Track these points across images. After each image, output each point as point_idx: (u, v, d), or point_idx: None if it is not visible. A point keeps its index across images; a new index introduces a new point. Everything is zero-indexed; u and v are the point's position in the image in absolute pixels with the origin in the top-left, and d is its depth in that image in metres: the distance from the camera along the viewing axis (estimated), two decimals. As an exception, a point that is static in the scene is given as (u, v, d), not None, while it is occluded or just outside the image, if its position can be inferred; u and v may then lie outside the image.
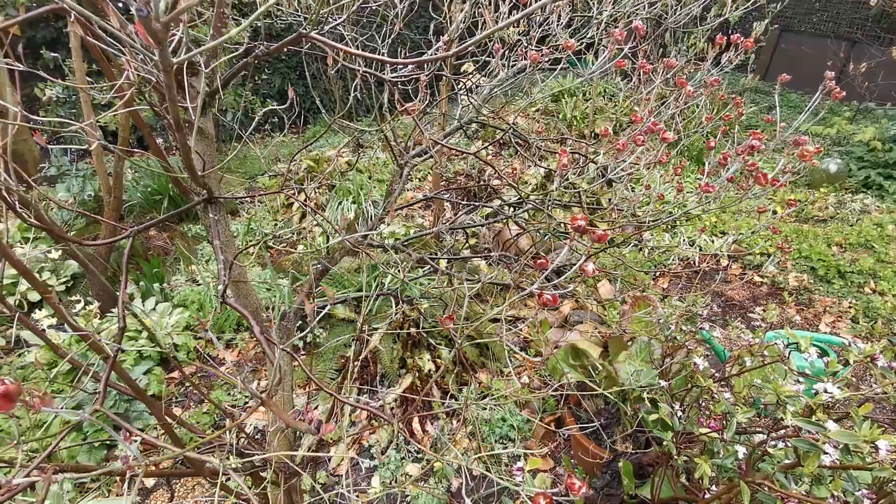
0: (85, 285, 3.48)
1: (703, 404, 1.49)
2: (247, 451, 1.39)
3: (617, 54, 1.12)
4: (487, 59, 1.41)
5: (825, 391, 0.93)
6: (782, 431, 1.11)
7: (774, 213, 4.49)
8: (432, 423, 2.65)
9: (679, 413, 1.48)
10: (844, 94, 1.22)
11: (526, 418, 2.52)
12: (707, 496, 1.20)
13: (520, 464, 1.15)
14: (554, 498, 0.59)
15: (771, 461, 1.07)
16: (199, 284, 3.51)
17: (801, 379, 1.24)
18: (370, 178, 5.02)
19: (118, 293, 3.11)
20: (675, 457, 1.27)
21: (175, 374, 2.99)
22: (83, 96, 3.07)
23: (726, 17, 2.31)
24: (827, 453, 0.84)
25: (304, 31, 0.81)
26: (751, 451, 1.02)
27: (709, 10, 2.76)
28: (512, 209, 3.84)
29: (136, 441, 0.85)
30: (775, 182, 1.29)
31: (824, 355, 1.76)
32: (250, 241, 4.24)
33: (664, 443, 1.34)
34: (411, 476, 2.32)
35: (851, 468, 0.88)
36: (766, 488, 0.97)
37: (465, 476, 2.24)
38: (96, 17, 0.73)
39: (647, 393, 1.73)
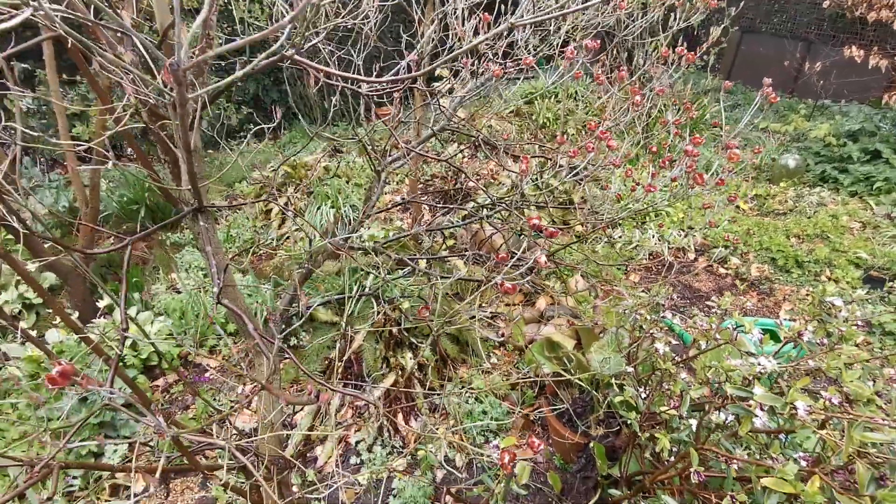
0: (62, 297, 3.47)
1: (665, 386, 1.61)
2: (240, 447, 1.46)
3: (573, 67, 1.23)
4: (459, 67, 1.51)
5: (759, 364, 1.05)
6: (732, 406, 1.24)
7: (738, 207, 4.71)
8: (416, 419, 2.74)
9: (643, 395, 1.60)
10: (777, 99, 1.36)
11: (506, 410, 2.63)
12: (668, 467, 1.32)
13: (495, 441, 1.25)
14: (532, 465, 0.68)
15: (720, 432, 1.20)
16: (179, 293, 3.53)
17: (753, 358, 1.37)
18: (348, 182, 5.08)
19: (98, 303, 3.13)
20: (640, 434, 1.39)
21: (159, 382, 3.02)
22: (57, 108, 3.08)
23: (689, 23, 2.46)
24: (757, 416, 0.97)
25: (286, 51, 0.90)
26: (699, 420, 1.14)
27: (671, 12, 2.91)
28: (485, 210, 3.95)
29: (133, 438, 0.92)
30: (721, 182, 1.42)
31: (774, 338, 1.90)
32: (230, 247, 4.27)
33: (630, 422, 1.46)
34: (397, 469, 2.41)
35: (777, 432, 1.01)
36: (715, 454, 1.09)
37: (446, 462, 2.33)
38: (97, 47, 0.81)
39: (616, 379, 1.86)
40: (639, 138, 1.81)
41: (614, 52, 3.55)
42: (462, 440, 2.50)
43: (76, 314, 3.07)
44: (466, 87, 1.47)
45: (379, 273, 2.74)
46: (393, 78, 0.85)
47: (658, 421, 1.60)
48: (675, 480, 1.26)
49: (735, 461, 1.01)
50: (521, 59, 1.23)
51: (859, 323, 1.23)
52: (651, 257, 4.03)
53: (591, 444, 1.98)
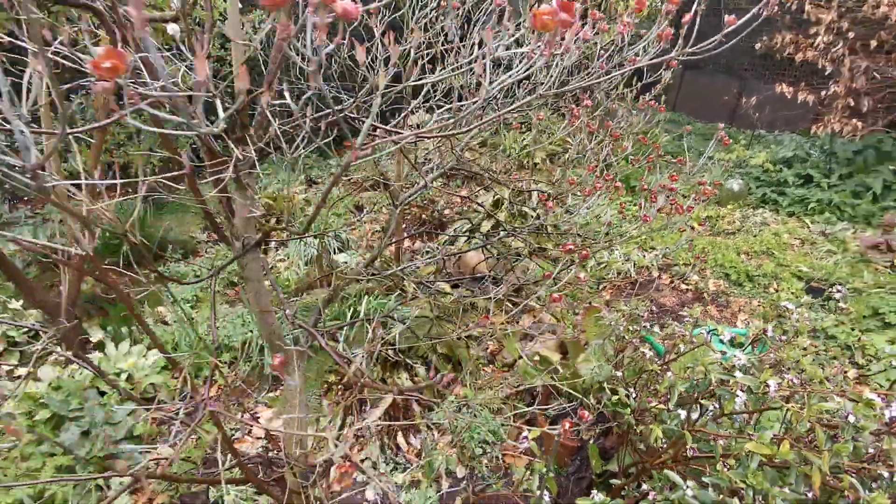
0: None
1: (651, 387, 1.85)
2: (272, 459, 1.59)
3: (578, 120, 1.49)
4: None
5: (735, 356, 1.30)
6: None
7: (692, 228, 5.14)
8: (416, 436, 2.87)
9: (633, 395, 1.83)
10: (730, 142, 1.65)
11: (501, 423, 2.81)
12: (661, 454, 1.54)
13: (525, 433, 1.44)
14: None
15: (705, 418, 1.43)
16: (169, 325, 3.57)
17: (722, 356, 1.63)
18: (328, 212, 5.22)
19: (87, 338, 3.19)
20: (634, 427, 1.61)
21: (157, 413, 3.03)
22: (48, 144, 3.13)
23: (640, 66, 2.81)
24: (738, 396, 1.20)
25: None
26: (688, 409, 1.37)
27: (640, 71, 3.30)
28: (468, 236, 4.19)
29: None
30: (690, 209, 1.70)
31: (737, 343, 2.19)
32: (208, 286, 4.30)
33: (625, 417, 1.68)
34: (401, 485, 2.53)
35: (758, 411, 1.25)
36: (704, 435, 1.32)
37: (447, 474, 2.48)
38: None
39: (607, 384, 2.08)
40: (605, 164, 2.09)
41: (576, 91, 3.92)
42: (462, 452, 2.66)
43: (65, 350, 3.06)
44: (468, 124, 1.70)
45: (371, 299, 2.93)
46: (370, 146, 1.06)
47: (644, 418, 1.83)
48: (668, 463, 1.48)
49: (721, 438, 1.24)
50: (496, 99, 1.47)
51: (808, 322, 1.51)
52: (619, 276, 4.35)
53: (589, 444, 2.18)
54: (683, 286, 4.23)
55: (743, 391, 1.19)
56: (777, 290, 3.97)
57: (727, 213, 5.32)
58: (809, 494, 1.12)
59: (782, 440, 1.09)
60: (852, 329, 3.40)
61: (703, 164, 1.82)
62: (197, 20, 3.06)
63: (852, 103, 5.09)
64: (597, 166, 1.89)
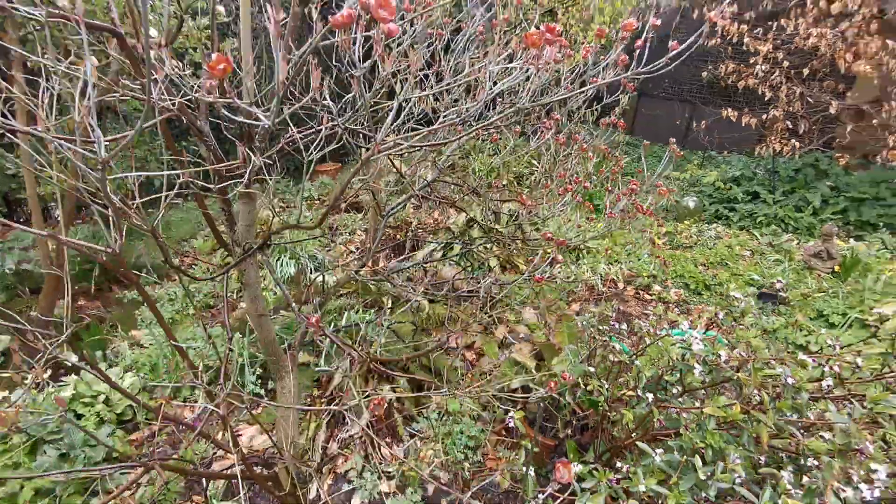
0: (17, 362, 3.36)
1: (621, 378, 2.01)
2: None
3: (548, 132, 1.67)
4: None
5: (694, 337, 1.47)
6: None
7: (653, 242, 5.44)
8: (398, 445, 2.94)
9: (605, 387, 1.99)
10: (682, 154, 1.87)
11: (481, 429, 2.91)
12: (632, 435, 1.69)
13: (511, 413, 1.56)
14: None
15: (669, 393, 1.59)
16: (145, 348, 3.54)
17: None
18: (303, 234, 5.29)
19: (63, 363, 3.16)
20: (608, 414, 1.75)
21: (135, 436, 3.00)
22: (27, 171, 3.14)
23: (600, 92, 3.07)
24: (696, 368, 1.37)
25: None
26: (654, 388, 1.53)
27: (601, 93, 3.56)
28: (443, 252, 4.34)
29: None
30: (651, 213, 1.90)
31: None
32: (186, 304, 4.29)
33: (599, 406, 1.83)
34: (387, 493, 2.59)
35: (715, 384, 1.42)
36: (668, 409, 1.48)
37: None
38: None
39: (581, 380, 2.23)
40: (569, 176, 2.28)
41: (573, 116, 4.19)
42: (445, 457, 2.74)
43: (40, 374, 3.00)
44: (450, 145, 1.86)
45: (354, 314, 3.02)
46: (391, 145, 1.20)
47: (619, 407, 1.98)
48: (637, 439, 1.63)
49: (684, 411, 1.40)
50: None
51: (755, 313, 1.70)
52: (587, 289, 4.56)
53: (566, 441, 2.31)
54: (647, 296, 4.47)
55: (699, 363, 1.36)
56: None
57: (684, 229, 5.66)
58: (764, 459, 1.28)
59: (733, 404, 1.25)
60: (800, 329, 3.68)
61: (658, 174, 2.02)
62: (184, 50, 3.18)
63: (790, 125, 5.56)
64: (564, 175, 2.07)
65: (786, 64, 5.31)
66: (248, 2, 1.33)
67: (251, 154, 1.20)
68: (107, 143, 0.95)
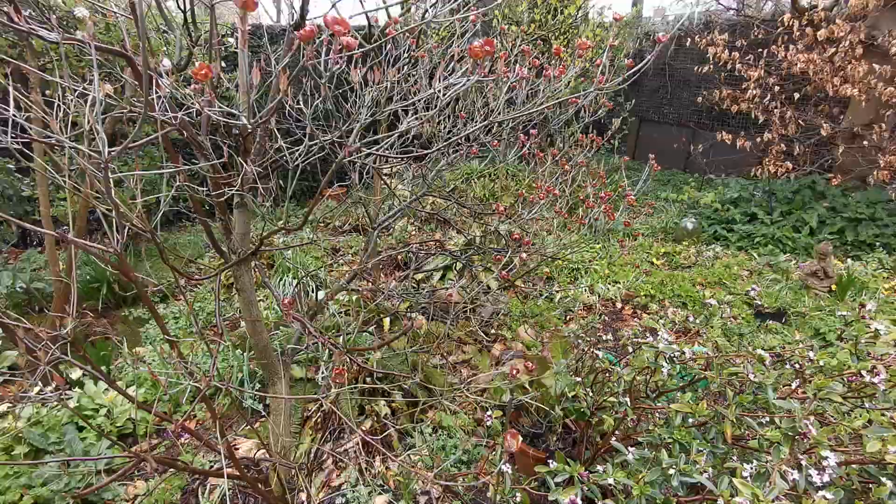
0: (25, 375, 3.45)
1: (605, 387, 2.05)
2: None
3: (524, 147, 1.77)
4: (433, 152, 2.02)
5: (664, 339, 1.52)
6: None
7: (652, 263, 5.49)
8: (394, 460, 2.96)
9: (590, 395, 2.03)
10: (659, 168, 1.96)
11: (476, 443, 2.93)
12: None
13: (489, 412, 1.61)
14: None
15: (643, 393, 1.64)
16: (148, 363, 3.62)
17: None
18: (306, 254, 5.41)
19: (68, 376, 3.29)
20: (590, 418, 1.80)
21: (135, 449, 3.05)
22: (42, 190, 3.30)
23: (597, 117, 3.19)
24: (664, 366, 1.42)
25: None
26: (629, 385, 1.58)
27: (579, 111, 3.69)
28: (443, 274, 4.43)
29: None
30: (627, 224, 1.97)
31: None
32: (189, 324, 4.38)
33: (583, 412, 1.87)
34: (380, 506, 2.61)
35: (688, 385, 1.47)
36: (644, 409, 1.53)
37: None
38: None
39: (569, 392, 2.28)
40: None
41: (557, 138, 4.31)
42: (439, 473, 2.76)
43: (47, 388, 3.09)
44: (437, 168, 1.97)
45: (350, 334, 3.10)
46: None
47: (599, 411, 2.02)
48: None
49: (657, 410, 1.44)
50: (481, 143, 1.74)
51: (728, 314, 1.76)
52: (585, 309, 4.60)
53: (556, 453, 2.34)
54: (645, 315, 4.50)
55: (666, 361, 1.41)
56: (730, 316, 4.27)
57: (683, 249, 5.71)
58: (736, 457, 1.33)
59: (701, 400, 1.30)
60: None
61: (639, 189, 2.10)
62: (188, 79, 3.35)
63: (785, 148, 5.66)
64: (540, 186, 2.16)
65: (776, 89, 5.44)
66: (246, 30, 1.45)
67: (244, 163, 1.30)
68: (112, 151, 1.06)
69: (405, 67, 1.60)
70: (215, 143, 1.56)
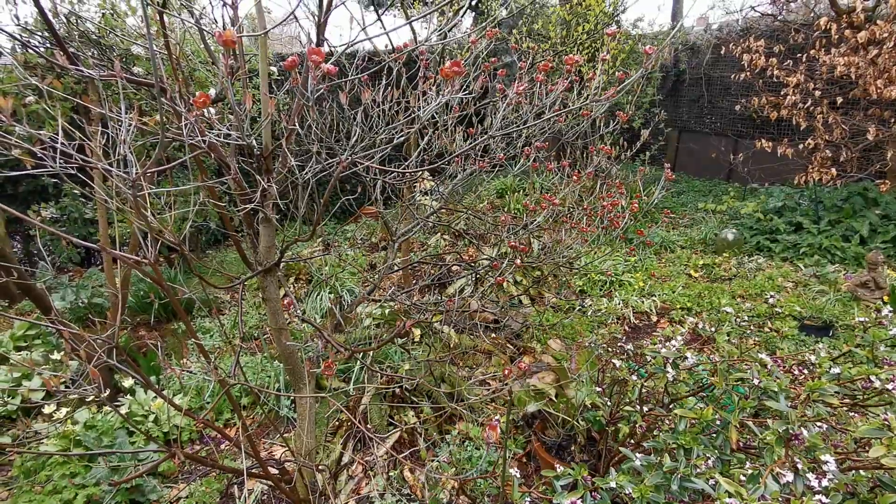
0: (85, 380, 3.72)
1: (623, 395, 2.05)
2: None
3: (530, 160, 1.83)
4: (445, 166, 2.10)
5: (673, 346, 1.52)
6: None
7: (690, 275, 5.35)
8: (420, 470, 3.01)
9: (608, 404, 2.03)
10: (673, 176, 1.96)
11: (500, 456, 2.95)
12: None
13: (497, 418, 1.65)
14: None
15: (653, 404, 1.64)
16: (194, 374, 3.83)
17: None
18: (343, 270, 5.59)
19: (120, 385, 3.49)
20: (608, 426, 1.81)
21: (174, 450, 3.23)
22: (101, 212, 3.59)
23: (631, 125, 3.21)
24: (669, 372, 1.42)
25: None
26: (642, 400, 1.59)
27: (611, 118, 3.70)
28: (473, 287, 4.48)
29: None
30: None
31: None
32: (235, 334, 4.61)
33: (601, 420, 1.88)
34: (407, 515, 2.66)
35: (696, 392, 1.47)
36: (654, 416, 1.53)
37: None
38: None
39: (590, 402, 2.28)
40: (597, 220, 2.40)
41: (568, 149, 4.34)
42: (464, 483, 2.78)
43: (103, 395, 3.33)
44: (456, 177, 2.06)
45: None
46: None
47: (617, 419, 2.01)
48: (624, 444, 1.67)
49: (666, 417, 1.44)
50: (495, 156, 1.82)
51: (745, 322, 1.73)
52: (619, 321, 4.53)
53: (579, 465, 2.33)
54: (682, 328, 4.38)
55: (671, 367, 1.41)
56: (772, 330, 4.11)
57: (723, 261, 5.54)
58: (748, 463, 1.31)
59: (706, 406, 1.30)
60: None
61: (657, 196, 2.11)
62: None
63: (830, 154, 5.43)
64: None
65: (818, 94, 5.26)
66: (266, 61, 1.60)
67: (267, 182, 1.42)
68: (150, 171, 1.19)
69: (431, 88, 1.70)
70: (244, 167, 1.70)
